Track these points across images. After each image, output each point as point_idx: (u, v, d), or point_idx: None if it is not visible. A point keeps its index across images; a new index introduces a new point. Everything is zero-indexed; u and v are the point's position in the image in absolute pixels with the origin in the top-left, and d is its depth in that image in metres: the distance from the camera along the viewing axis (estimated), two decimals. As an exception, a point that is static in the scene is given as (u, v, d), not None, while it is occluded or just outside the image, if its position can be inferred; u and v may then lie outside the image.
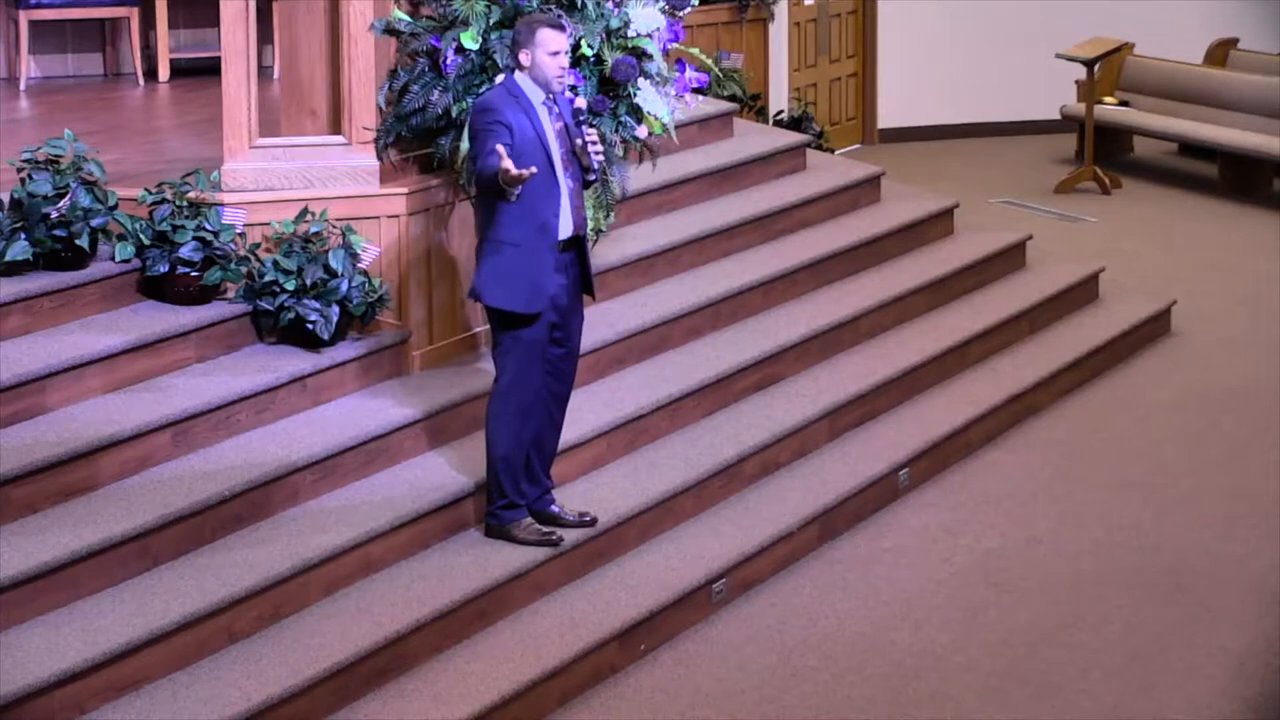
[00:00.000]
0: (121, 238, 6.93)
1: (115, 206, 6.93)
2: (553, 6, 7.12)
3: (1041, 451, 8.63)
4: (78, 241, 6.76)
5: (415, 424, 6.95)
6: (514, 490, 6.62)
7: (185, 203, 7.01)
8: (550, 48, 6.43)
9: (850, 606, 6.99)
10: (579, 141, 6.56)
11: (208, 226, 6.96)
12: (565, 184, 6.47)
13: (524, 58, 6.45)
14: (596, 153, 6.57)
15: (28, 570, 5.62)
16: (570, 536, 6.71)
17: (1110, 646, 6.69)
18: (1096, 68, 14.04)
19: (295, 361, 6.94)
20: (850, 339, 8.88)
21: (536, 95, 6.47)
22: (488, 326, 7.58)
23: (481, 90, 7.08)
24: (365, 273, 7.07)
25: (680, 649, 6.62)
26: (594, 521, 6.78)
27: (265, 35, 7.68)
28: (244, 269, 6.99)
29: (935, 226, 10.36)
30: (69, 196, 6.77)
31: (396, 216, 7.27)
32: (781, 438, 7.82)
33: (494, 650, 6.20)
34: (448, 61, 7.11)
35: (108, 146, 8.13)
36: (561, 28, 6.51)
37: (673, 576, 6.79)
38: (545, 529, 6.66)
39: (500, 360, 6.57)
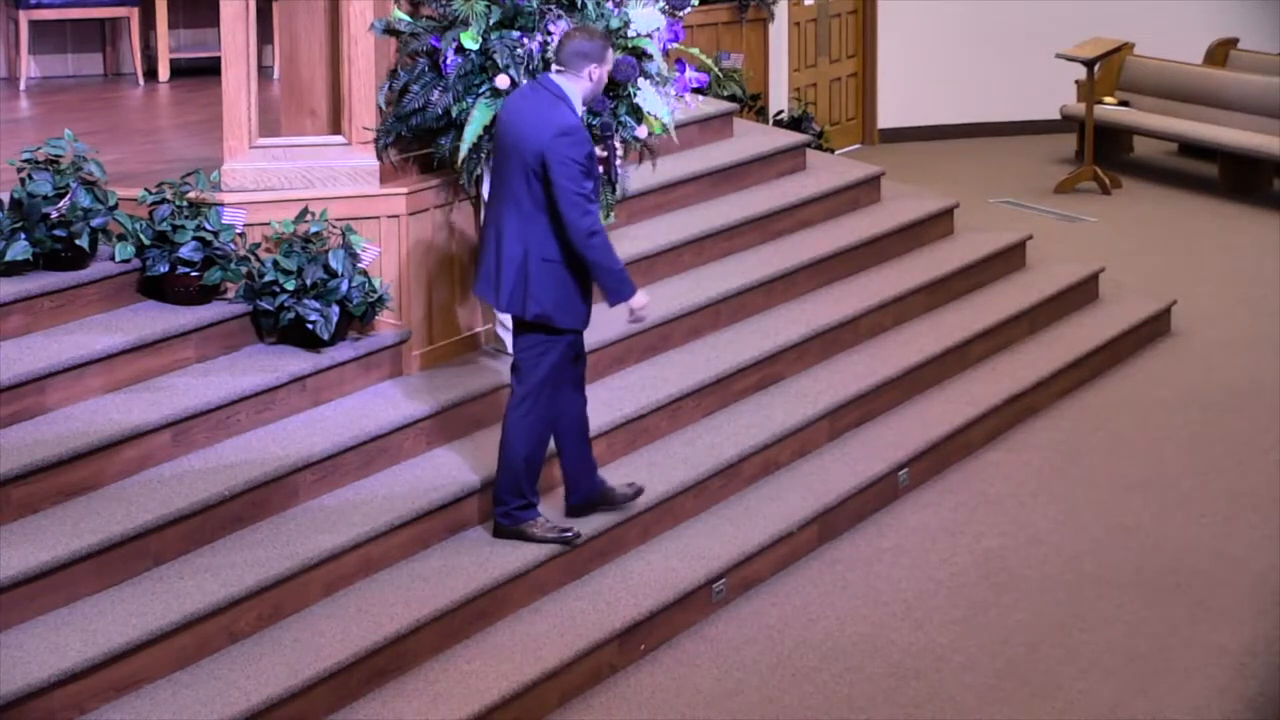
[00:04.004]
0: (121, 238, 6.93)
1: (115, 206, 6.92)
2: (553, 6, 7.12)
3: (1041, 451, 8.63)
4: (78, 241, 6.76)
5: (415, 424, 6.95)
6: (531, 490, 6.64)
7: (185, 203, 7.01)
8: (610, 67, 6.62)
9: (850, 606, 6.99)
10: (604, 154, 6.63)
11: (208, 226, 6.96)
12: None
13: (595, 72, 6.52)
14: (620, 164, 6.69)
15: (28, 570, 5.62)
16: (570, 536, 6.73)
17: (1110, 646, 6.69)
18: (1096, 68, 14.04)
19: (295, 361, 6.93)
20: (850, 339, 8.88)
21: (579, 108, 6.52)
22: (488, 326, 7.61)
23: (482, 89, 7.09)
24: (365, 273, 7.07)
25: (680, 649, 6.62)
26: (640, 491, 6.90)
27: (265, 35, 7.68)
28: (244, 269, 6.99)
29: (935, 226, 10.36)
30: (69, 196, 6.77)
31: (396, 216, 7.27)
32: (781, 438, 7.82)
33: (494, 650, 6.20)
34: (448, 61, 7.11)
35: (108, 146, 8.13)
36: None
37: (673, 576, 6.79)
38: (563, 526, 6.68)
39: (531, 364, 6.54)
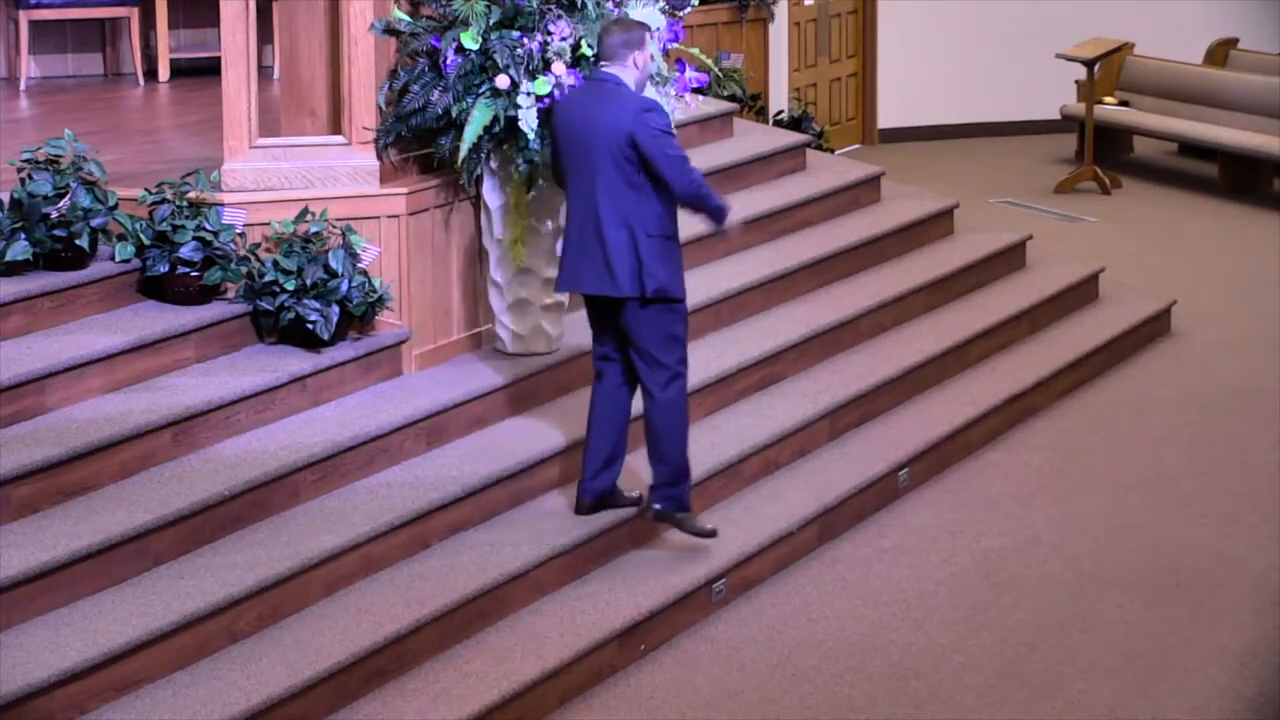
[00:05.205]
0: (121, 238, 6.93)
1: (115, 206, 6.92)
2: (553, 6, 7.12)
3: (1041, 451, 8.63)
4: (78, 241, 6.76)
5: (415, 424, 6.95)
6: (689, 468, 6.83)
7: (185, 203, 7.01)
8: (649, 51, 6.77)
9: (850, 606, 6.99)
10: None
11: (208, 226, 6.97)
12: None
13: (639, 58, 6.68)
14: None
15: (28, 570, 5.62)
16: (570, 537, 6.71)
17: (1110, 646, 6.69)
18: (1096, 68, 14.04)
19: (295, 361, 6.93)
20: (850, 339, 8.88)
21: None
22: (488, 326, 7.61)
23: (482, 89, 7.09)
24: (365, 273, 7.07)
25: (680, 649, 6.62)
26: (640, 499, 6.91)
27: (265, 35, 7.68)
28: (244, 269, 6.99)
29: (935, 226, 10.36)
30: (69, 196, 6.77)
31: (396, 216, 7.27)
32: (781, 438, 7.82)
33: (494, 650, 6.20)
34: (448, 61, 7.11)
35: (108, 146, 8.13)
36: None
37: (673, 576, 6.79)
38: (703, 523, 6.91)
39: (668, 346, 6.64)
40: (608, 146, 6.54)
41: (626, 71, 6.65)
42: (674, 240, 6.67)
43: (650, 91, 7.29)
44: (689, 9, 7.61)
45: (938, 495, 8.09)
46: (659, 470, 6.76)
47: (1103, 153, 14.32)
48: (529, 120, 7.04)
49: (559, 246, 7.52)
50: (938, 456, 8.31)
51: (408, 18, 7.24)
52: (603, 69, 6.69)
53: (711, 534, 6.91)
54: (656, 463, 6.76)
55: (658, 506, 6.79)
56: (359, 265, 7.04)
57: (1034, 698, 6.31)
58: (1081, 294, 10.31)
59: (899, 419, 8.47)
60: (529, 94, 7.03)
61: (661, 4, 7.45)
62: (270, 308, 6.95)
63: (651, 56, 7.33)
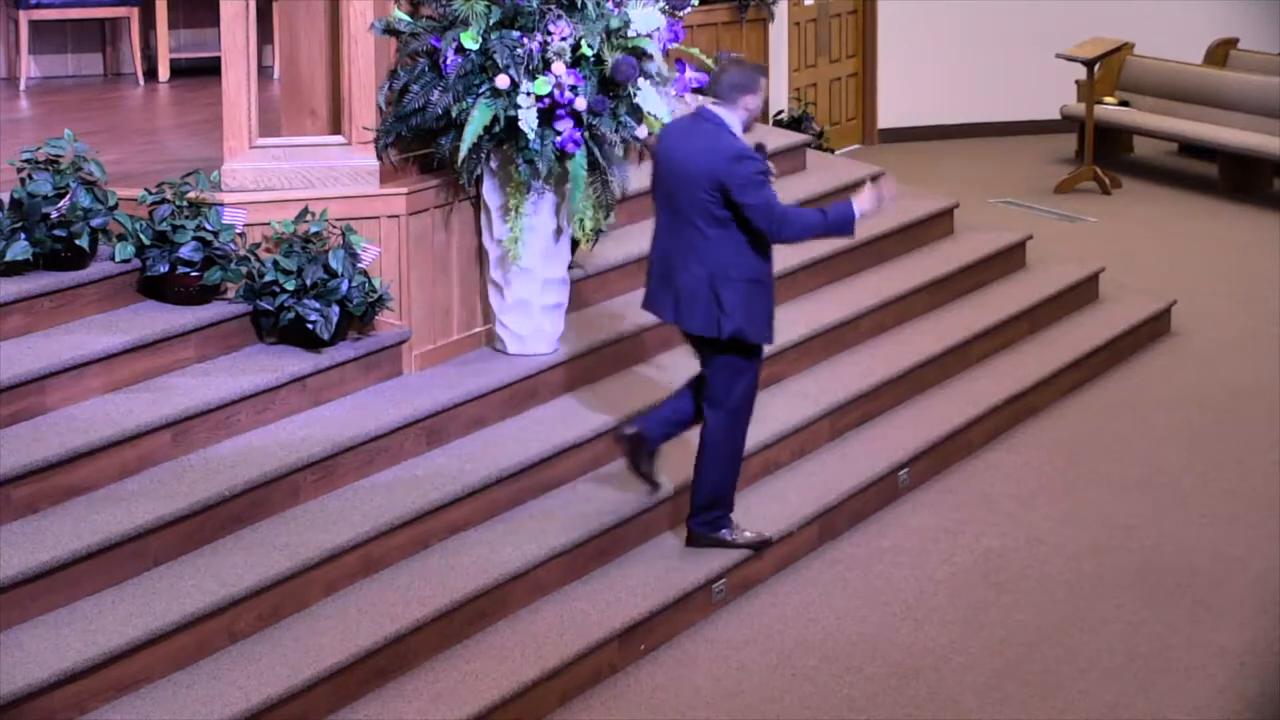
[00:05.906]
0: (121, 238, 6.93)
1: (115, 206, 6.93)
2: (553, 6, 7.12)
3: (1042, 451, 8.63)
4: (78, 241, 6.76)
5: (415, 424, 6.95)
6: (730, 499, 6.91)
7: (185, 203, 7.01)
8: (761, 96, 6.73)
9: (850, 606, 6.99)
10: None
11: (208, 226, 6.97)
12: None
13: (750, 102, 6.66)
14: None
15: (28, 570, 5.62)
16: (570, 537, 6.72)
17: (1110, 646, 6.69)
18: (1096, 68, 14.04)
19: (295, 361, 6.93)
20: (851, 339, 8.88)
21: (739, 135, 6.66)
22: (489, 326, 7.61)
23: (482, 89, 7.09)
24: (365, 273, 7.07)
25: (680, 649, 6.62)
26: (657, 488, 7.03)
27: (265, 35, 7.68)
28: (244, 269, 6.99)
29: (935, 226, 10.36)
30: (69, 196, 6.77)
31: (396, 216, 7.27)
32: (782, 437, 7.82)
33: (494, 650, 6.20)
34: (448, 61, 7.11)
35: (108, 146, 8.13)
36: None
37: (673, 576, 6.79)
38: (756, 531, 7.03)
39: (729, 382, 6.73)
40: (694, 185, 6.55)
41: (734, 113, 6.63)
42: (762, 283, 6.66)
43: (649, 91, 7.30)
44: (689, 9, 7.60)
45: (938, 495, 8.09)
46: (693, 493, 6.90)
47: (1103, 153, 14.33)
48: (529, 120, 7.05)
49: (562, 247, 7.54)
50: (938, 456, 8.31)
51: (408, 18, 7.24)
52: (708, 105, 6.69)
53: (759, 545, 7.01)
54: (694, 484, 6.89)
55: (695, 530, 6.95)
56: (359, 265, 7.04)
57: (1034, 698, 6.31)
58: (1081, 294, 10.31)
59: (899, 419, 8.47)
60: (529, 94, 7.04)
61: (661, 4, 7.44)
62: (270, 308, 6.95)
63: (649, 55, 7.35)
